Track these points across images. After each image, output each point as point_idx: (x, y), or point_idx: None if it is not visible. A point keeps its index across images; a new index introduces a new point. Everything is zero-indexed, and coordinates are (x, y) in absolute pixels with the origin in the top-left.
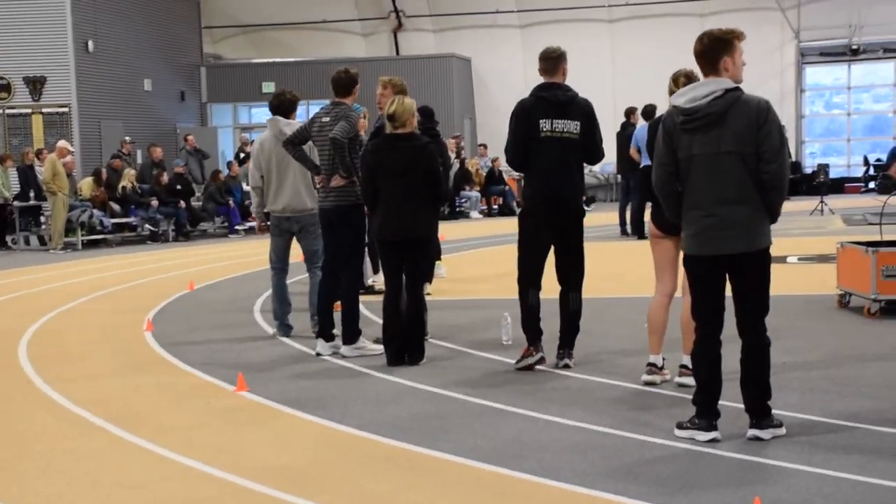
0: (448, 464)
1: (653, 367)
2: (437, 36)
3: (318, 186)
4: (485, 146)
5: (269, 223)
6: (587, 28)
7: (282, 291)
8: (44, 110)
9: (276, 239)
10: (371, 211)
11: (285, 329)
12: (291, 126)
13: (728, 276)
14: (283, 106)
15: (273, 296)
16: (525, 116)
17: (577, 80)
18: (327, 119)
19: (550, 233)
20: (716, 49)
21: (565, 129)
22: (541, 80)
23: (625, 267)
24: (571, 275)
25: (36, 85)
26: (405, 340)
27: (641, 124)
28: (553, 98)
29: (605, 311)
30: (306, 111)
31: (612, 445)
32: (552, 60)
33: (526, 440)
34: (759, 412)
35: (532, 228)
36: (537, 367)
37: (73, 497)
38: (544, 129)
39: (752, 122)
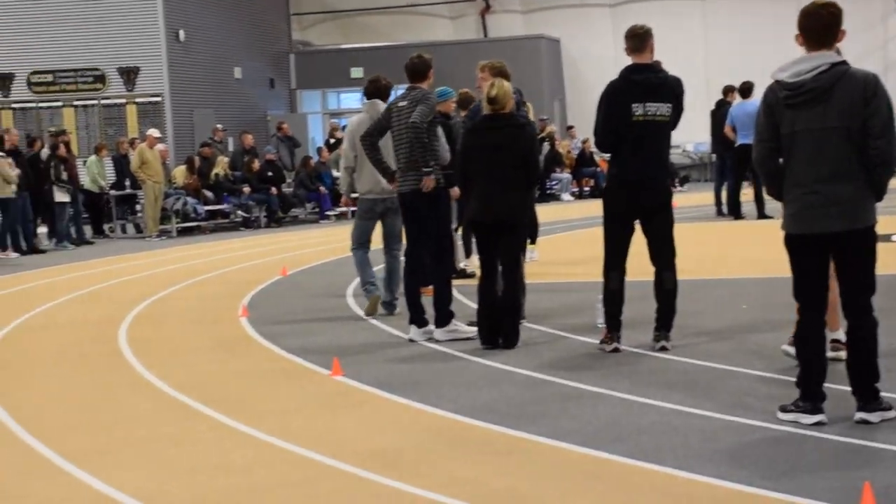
0: (544, 447)
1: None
2: (525, 17)
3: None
4: (574, 128)
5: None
6: (679, 6)
7: (366, 262)
8: (137, 100)
9: (361, 221)
10: (464, 193)
11: (371, 289)
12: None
13: (832, 256)
14: (378, 91)
15: (357, 266)
16: (616, 100)
17: (668, 58)
18: (404, 104)
19: (636, 214)
20: (836, 22)
21: (657, 112)
22: (629, 60)
23: (722, 248)
24: (663, 254)
25: (130, 75)
26: (499, 324)
27: (738, 102)
28: (645, 81)
29: (703, 293)
30: (394, 92)
31: (713, 428)
32: (639, 38)
33: (623, 423)
34: (866, 394)
35: (617, 210)
36: (633, 350)
37: (173, 481)
38: (636, 113)
39: (859, 96)
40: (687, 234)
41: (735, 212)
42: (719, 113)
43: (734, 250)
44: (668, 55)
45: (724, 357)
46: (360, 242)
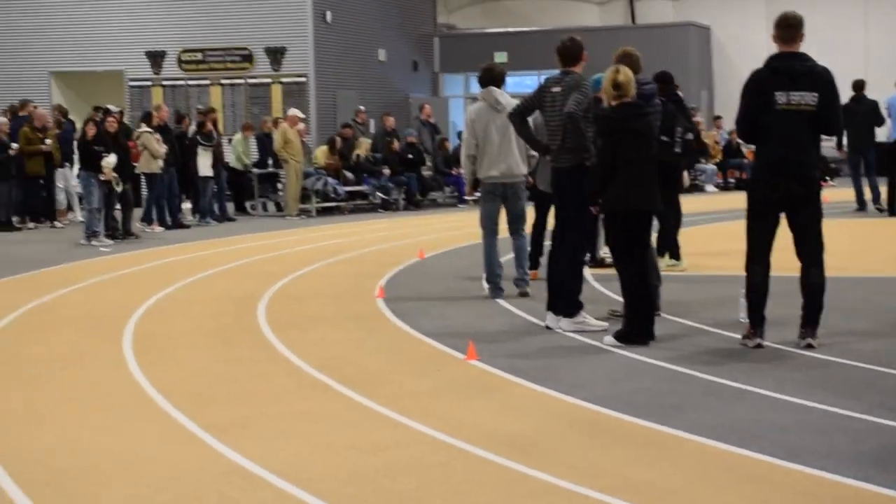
0: (682, 441)
1: None
2: (675, 4)
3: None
4: (721, 118)
5: (478, 190)
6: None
7: (494, 253)
8: (283, 80)
9: (486, 205)
10: (605, 182)
11: (498, 291)
12: (505, 96)
13: None
14: (493, 79)
15: (485, 255)
16: (759, 88)
17: (827, 49)
18: (558, 89)
19: (781, 206)
20: None
21: (802, 101)
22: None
23: (872, 244)
24: (809, 249)
25: (276, 55)
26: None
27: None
28: (790, 69)
29: (851, 290)
30: (538, 78)
31: (858, 430)
32: (791, 28)
33: (765, 421)
34: None
35: (761, 201)
36: (777, 346)
37: (309, 458)
38: (780, 102)
39: None
40: (836, 229)
41: (892, 207)
42: (856, 108)
43: (887, 247)
44: (827, 46)
45: (872, 357)
46: (489, 227)
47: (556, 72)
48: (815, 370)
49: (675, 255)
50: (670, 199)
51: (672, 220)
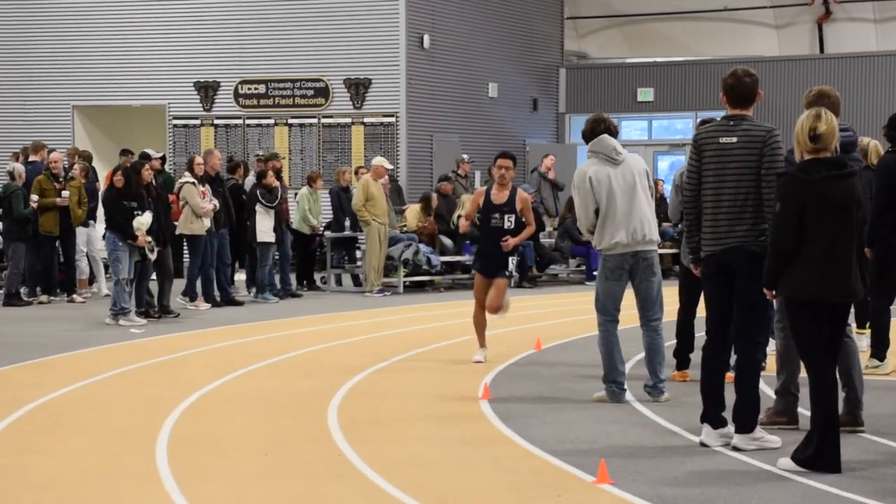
0: None
1: None
2: (879, 27)
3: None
4: None
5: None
6: None
7: (614, 339)
8: (366, 120)
9: (608, 284)
10: (785, 260)
11: (619, 394)
12: (619, 148)
13: None
14: (608, 129)
15: (601, 347)
16: None
17: None
18: (732, 140)
19: None
20: None
21: None
22: None
23: None
24: None
25: (359, 89)
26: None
27: None
28: None
29: None
30: (693, 120)
31: None
32: None
33: None
34: None
35: None
36: None
37: None
38: None
39: None
40: None
41: None
42: None
43: None
44: None
45: None
46: (608, 312)
47: (714, 114)
48: None
49: (881, 354)
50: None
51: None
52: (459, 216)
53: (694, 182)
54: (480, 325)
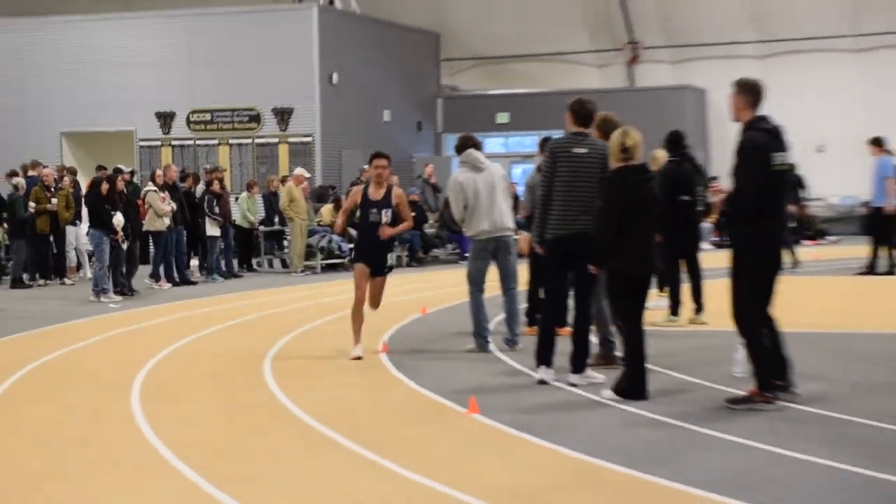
0: (681, 494)
1: None
2: (673, 67)
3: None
4: (718, 179)
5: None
6: (831, 58)
7: (481, 303)
8: (290, 140)
9: (479, 262)
10: (609, 244)
11: (485, 345)
12: (483, 156)
13: None
14: (475, 144)
15: (472, 311)
16: (762, 152)
17: (820, 111)
18: (583, 151)
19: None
20: None
21: (785, 162)
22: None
23: (869, 302)
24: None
25: (283, 116)
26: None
27: (884, 156)
28: (776, 130)
29: (852, 345)
30: (537, 137)
31: (854, 483)
32: (759, 95)
33: (758, 472)
34: None
35: (766, 262)
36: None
37: None
38: (777, 162)
39: None
40: (826, 287)
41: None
42: None
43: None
44: (820, 107)
45: (870, 413)
46: (476, 284)
47: (553, 132)
48: (810, 424)
49: (675, 310)
50: (692, 255)
51: (681, 277)
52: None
53: (547, 182)
54: (358, 322)
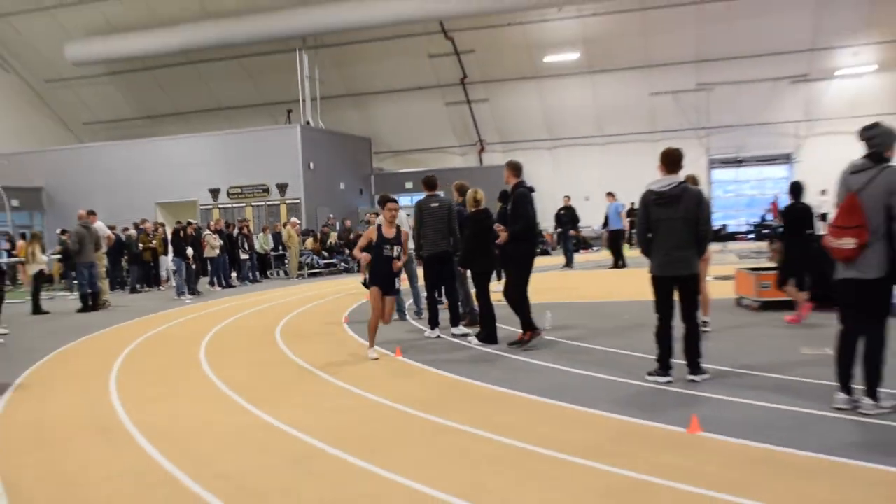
0: (517, 397)
1: None
2: (503, 153)
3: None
4: None
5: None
6: (589, 148)
7: (400, 293)
8: (287, 202)
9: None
10: (471, 254)
11: (403, 316)
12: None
13: (677, 288)
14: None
15: (397, 300)
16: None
17: (583, 178)
18: (437, 205)
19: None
20: (677, 160)
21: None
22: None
23: (614, 282)
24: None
25: (282, 188)
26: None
27: (615, 202)
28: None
29: (606, 309)
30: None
31: (601, 383)
32: (518, 169)
33: (560, 383)
34: (693, 364)
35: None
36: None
37: (304, 415)
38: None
39: (695, 201)
40: (591, 276)
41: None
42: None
43: (617, 284)
44: (580, 175)
45: (607, 344)
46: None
47: (422, 195)
48: (580, 353)
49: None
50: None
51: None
52: (330, 242)
53: (418, 223)
54: (374, 331)
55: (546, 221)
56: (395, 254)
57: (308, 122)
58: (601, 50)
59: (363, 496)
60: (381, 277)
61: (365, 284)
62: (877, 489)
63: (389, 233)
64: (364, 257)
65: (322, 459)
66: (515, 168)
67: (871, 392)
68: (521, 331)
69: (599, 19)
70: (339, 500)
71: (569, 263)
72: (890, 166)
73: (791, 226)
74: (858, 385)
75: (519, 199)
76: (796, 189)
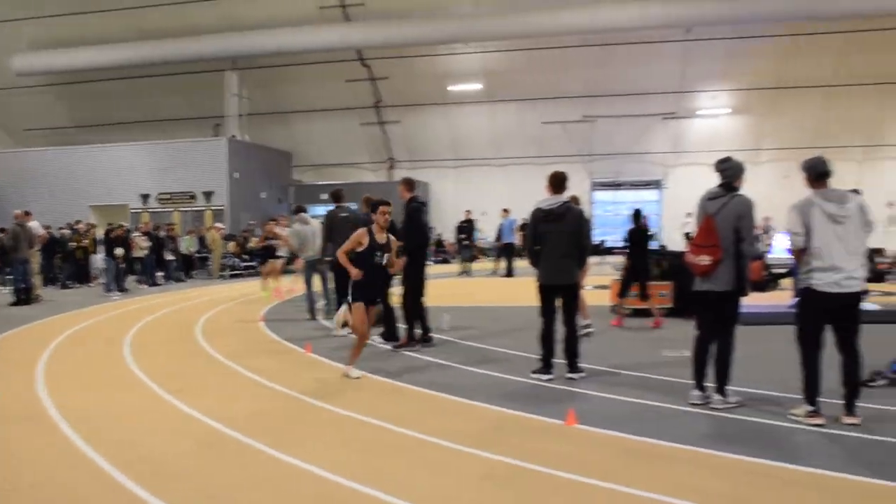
0: (416, 392)
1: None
2: (412, 171)
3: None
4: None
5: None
6: (489, 169)
7: (312, 294)
8: (212, 208)
9: (309, 272)
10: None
11: (314, 315)
12: (308, 218)
13: (560, 295)
14: (300, 212)
15: (307, 300)
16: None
17: (485, 195)
18: (346, 214)
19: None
20: (562, 182)
21: None
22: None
23: (502, 289)
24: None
25: (208, 195)
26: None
27: (509, 217)
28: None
29: (488, 314)
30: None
31: (492, 381)
32: (411, 184)
33: (452, 380)
34: (572, 364)
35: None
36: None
37: (218, 403)
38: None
39: (577, 218)
40: (487, 283)
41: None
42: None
43: (508, 291)
44: (484, 193)
45: (499, 344)
46: (308, 282)
47: (350, 204)
48: (471, 352)
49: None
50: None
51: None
52: (251, 246)
53: (328, 231)
54: (359, 352)
55: (448, 232)
56: (386, 261)
57: (234, 136)
58: (501, 82)
59: (268, 479)
60: (371, 288)
61: (350, 299)
62: (722, 472)
63: (382, 237)
64: (356, 274)
65: (232, 445)
66: (409, 184)
67: (721, 389)
68: (422, 332)
69: (499, 55)
70: (246, 482)
71: (466, 271)
72: (739, 195)
73: (632, 245)
74: (711, 383)
75: (412, 214)
76: (637, 215)
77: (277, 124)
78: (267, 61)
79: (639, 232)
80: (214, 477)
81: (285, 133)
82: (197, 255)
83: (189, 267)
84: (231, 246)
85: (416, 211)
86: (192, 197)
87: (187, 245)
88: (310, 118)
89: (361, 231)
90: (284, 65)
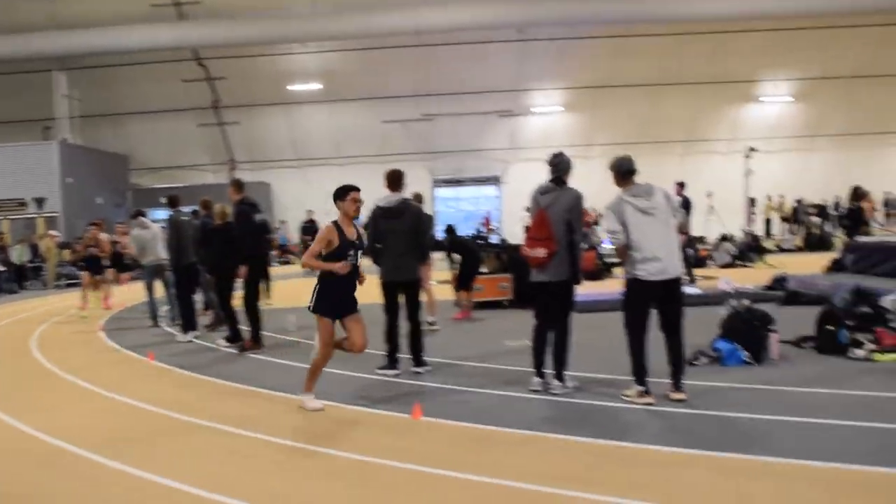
0: (278, 398)
1: None
2: (252, 172)
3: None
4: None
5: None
6: (331, 168)
7: (154, 300)
8: (44, 216)
9: (149, 279)
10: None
11: (157, 321)
12: (148, 223)
13: (402, 290)
14: (138, 216)
15: (150, 305)
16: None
17: (322, 197)
18: (186, 218)
19: None
20: (399, 179)
21: None
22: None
23: None
24: None
25: (40, 202)
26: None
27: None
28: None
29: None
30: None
31: (346, 379)
32: (240, 185)
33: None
34: (417, 358)
35: None
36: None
37: (70, 418)
38: None
39: (415, 215)
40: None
41: None
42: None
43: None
44: (322, 193)
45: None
46: (150, 288)
47: (193, 207)
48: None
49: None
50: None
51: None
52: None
53: (174, 234)
54: (318, 371)
55: (292, 232)
56: (357, 261)
57: (66, 139)
58: (340, 82)
59: (115, 495)
60: (340, 298)
61: (311, 309)
62: (566, 454)
63: (352, 232)
64: (342, 267)
65: (72, 460)
66: (237, 185)
67: (559, 375)
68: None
69: (336, 55)
70: (92, 498)
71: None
72: (569, 188)
73: (459, 249)
74: (550, 370)
75: (241, 215)
76: (451, 230)
77: (112, 126)
78: (98, 61)
79: (458, 239)
80: (57, 495)
81: (121, 135)
82: (30, 264)
83: (22, 278)
84: (66, 254)
85: (246, 213)
86: (23, 204)
87: (19, 255)
88: (146, 120)
89: (328, 227)
90: (117, 65)
